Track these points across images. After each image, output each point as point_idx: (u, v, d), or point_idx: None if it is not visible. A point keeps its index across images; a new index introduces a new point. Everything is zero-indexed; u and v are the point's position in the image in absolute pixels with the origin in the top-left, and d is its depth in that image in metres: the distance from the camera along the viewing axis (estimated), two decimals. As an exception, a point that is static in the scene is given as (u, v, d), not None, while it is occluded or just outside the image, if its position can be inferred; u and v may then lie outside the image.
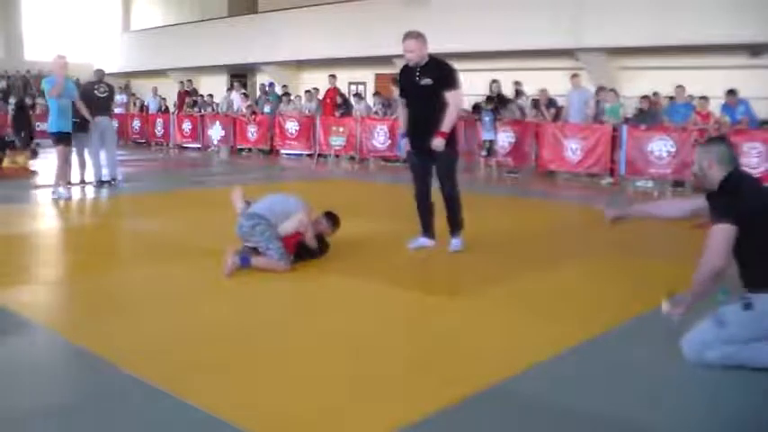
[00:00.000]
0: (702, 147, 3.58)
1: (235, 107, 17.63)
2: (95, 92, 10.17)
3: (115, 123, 13.72)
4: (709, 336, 3.26)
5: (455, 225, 5.81)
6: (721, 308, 3.28)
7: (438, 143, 5.53)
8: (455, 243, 5.80)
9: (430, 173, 5.79)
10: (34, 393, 2.92)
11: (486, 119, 12.39)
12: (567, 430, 2.68)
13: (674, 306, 3.36)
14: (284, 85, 17.30)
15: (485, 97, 13.05)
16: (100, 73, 10.89)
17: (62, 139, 8.78)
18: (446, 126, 5.52)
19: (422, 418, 2.70)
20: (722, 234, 3.20)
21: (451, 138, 5.66)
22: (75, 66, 25.49)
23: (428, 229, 5.91)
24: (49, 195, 8.82)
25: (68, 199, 8.68)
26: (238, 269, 4.85)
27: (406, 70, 5.72)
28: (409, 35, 5.57)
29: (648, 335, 3.76)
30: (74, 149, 9.66)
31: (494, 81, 13.20)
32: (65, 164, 8.89)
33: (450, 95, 5.53)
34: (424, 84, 5.57)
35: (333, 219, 5.54)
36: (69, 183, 9.13)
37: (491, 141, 12.40)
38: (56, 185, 8.81)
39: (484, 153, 12.52)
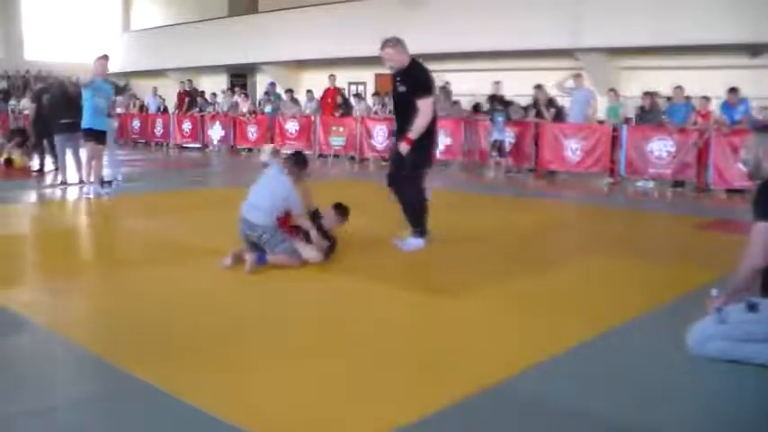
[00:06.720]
0: (760, 133, 3.37)
1: (239, 110, 17.49)
2: None
3: (115, 124, 13.81)
4: (710, 330, 3.29)
5: (411, 223, 5.78)
6: (726, 307, 3.27)
7: (402, 147, 5.52)
8: (405, 241, 5.73)
9: (398, 168, 5.76)
10: (35, 394, 2.91)
11: (499, 119, 12.26)
12: (567, 430, 2.68)
13: (716, 297, 3.32)
14: (288, 90, 17.28)
15: (493, 98, 12.88)
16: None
17: (91, 136, 8.93)
18: (413, 133, 5.49)
19: (421, 418, 2.70)
20: (765, 236, 3.12)
21: (421, 145, 5.58)
22: (75, 66, 25.55)
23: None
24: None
25: (89, 196, 8.82)
26: (255, 267, 4.90)
27: (392, 76, 5.73)
28: (386, 42, 5.57)
29: (648, 335, 3.76)
30: (69, 149, 9.75)
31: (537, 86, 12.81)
32: (90, 162, 9.08)
33: (421, 103, 5.47)
34: (401, 90, 5.59)
35: (342, 210, 5.57)
36: (82, 182, 9.26)
37: (501, 142, 12.25)
38: (87, 183, 9.04)
39: (495, 154, 12.31)
